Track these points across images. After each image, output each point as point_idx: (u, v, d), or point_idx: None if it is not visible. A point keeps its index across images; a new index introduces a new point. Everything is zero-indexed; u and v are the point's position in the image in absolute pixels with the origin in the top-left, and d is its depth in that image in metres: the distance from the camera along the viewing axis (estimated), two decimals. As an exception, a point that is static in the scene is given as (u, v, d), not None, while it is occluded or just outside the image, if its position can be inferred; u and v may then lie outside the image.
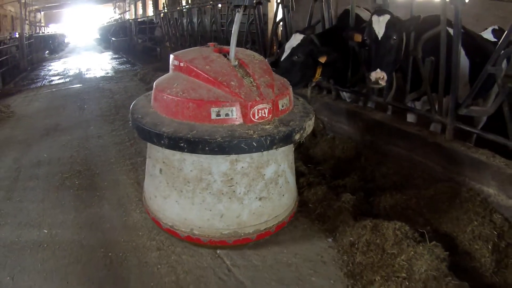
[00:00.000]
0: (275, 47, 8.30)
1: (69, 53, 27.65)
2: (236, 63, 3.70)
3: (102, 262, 3.43)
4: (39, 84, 13.38)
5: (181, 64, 3.76)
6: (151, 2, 32.79)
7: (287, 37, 7.09)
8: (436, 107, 4.73)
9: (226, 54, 3.81)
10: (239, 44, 8.00)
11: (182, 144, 3.21)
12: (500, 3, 6.54)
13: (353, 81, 5.70)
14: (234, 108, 3.39)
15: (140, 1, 36.74)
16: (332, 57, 5.07)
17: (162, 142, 3.28)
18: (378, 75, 4.50)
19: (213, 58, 3.73)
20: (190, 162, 3.50)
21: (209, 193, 3.55)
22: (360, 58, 5.33)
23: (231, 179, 3.50)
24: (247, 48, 8.19)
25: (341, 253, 3.48)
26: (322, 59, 4.99)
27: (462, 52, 4.91)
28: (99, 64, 18.25)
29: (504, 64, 4.87)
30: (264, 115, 3.49)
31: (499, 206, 3.95)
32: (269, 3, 10.31)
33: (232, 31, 3.74)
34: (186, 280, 3.18)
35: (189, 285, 3.12)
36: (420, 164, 4.66)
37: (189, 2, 13.95)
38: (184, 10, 12.51)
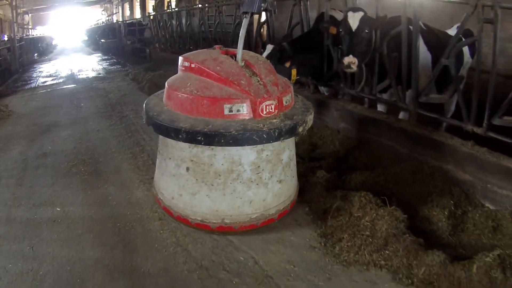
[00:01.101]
0: (260, 48, 8.83)
1: (58, 55, 27.84)
2: (243, 64, 3.96)
3: (112, 230, 3.97)
4: (33, 85, 13.71)
5: (192, 65, 4.00)
6: (138, 4, 33.01)
7: (269, 38, 7.68)
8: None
9: (233, 56, 4.06)
10: (226, 45, 8.58)
11: (199, 138, 3.48)
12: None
13: (328, 76, 6.29)
14: (244, 105, 3.68)
15: (128, 3, 36.95)
16: (298, 60, 5.74)
17: (180, 136, 3.54)
18: (350, 60, 5.08)
19: (222, 59, 3.97)
20: (221, 156, 3.77)
21: (239, 183, 3.85)
22: (334, 56, 5.93)
23: (258, 167, 3.85)
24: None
25: (316, 219, 4.06)
26: (287, 64, 5.61)
27: (425, 48, 5.53)
28: (90, 65, 18.58)
29: (468, 58, 5.47)
30: (271, 110, 3.81)
31: (456, 180, 4.55)
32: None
33: (240, 35, 3.97)
34: (185, 241, 3.76)
35: (188, 245, 3.70)
36: (387, 147, 5.25)
37: (177, 4, 14.28)
38: (173, 12, 12.84)
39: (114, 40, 24.63)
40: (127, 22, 24.87)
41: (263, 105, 3.72)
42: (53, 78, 15.03)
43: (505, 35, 6.68)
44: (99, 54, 24.71)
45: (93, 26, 39.10)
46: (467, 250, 3.72)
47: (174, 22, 12.64)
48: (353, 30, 5.19)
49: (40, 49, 28.90)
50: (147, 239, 3.84)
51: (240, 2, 8.59)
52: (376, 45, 5.38)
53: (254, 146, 3.68)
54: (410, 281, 3.33)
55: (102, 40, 26.62)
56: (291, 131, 3.72)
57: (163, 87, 9.37)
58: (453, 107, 6.18)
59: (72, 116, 8.47)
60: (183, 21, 12.05)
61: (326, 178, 4.66)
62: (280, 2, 7.77)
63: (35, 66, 20.50)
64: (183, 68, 4.16)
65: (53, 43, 39.55)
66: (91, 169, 5.44)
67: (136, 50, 20.44)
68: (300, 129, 3.83)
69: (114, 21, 33.89)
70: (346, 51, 5.24)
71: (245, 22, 4.00)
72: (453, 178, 4.63)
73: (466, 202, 4.37)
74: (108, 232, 3.96)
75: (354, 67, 5.13)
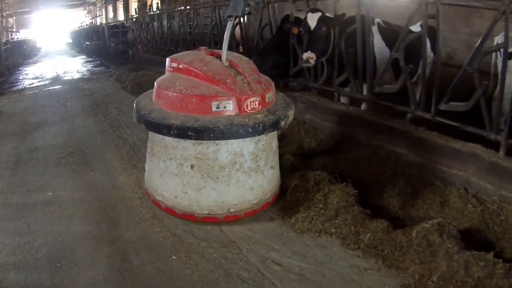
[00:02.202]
0: (240, 48, 9.36)
1: (43, 58, 28.01)
2: (228, 63, 4.16)
3: (98, 209, 4.48)
4: (20, 87, 14.07)
5: (180, 66, 4.19)
6: (121, 6, 33.30)
7: (242, 38, 8.26)
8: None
9: (217, 57, 4.25)
10: (204, 45, 9.13)
11: (190, 133, 3.69)
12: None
13: (293, 72, 6.86)
14: (231, 101, 3.87)
15: (111, 5, 37.23)
16: (268, 65, 6.40)
17: (172, 132, 3.74)
18: (309, 55, 5.66)
19: (208, 60, 4.16)
20: (225, 150, 3.99)
21: (242, 172, 4.10)
22: (299, 54, 6.48)
23: (256, 156, 4.12)
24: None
25: (278, 195, 4.55)
26: None
27: (383, 43, 6.12)
28: (75, 67, 18.88)
29: (430, 52, 6.01)
30: (255, 106, 4.00)
31: (409, 162, 5.09)
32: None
33: (224, 37, 4.20)
34: (161, 215, 4.28)
35: (163, 218, 4.24)
36: (347, 135, 5.81)
37: (159, 6, 14.64)
38: (155, 14, 13.19)
39: (98, 43, 24.87)
40: (111, 24, 25.13)
41: (248, 101, 3.94)
42: (39, 80, 15.36)
43: (472, 30, 7.29)
44: (83, 56, 24.94)
45: (77, 29, 39.16)
46: (414, 222, 4.14)
47: (155, 24, 13.00)
48: (312, 29, 5.77)
49: (25, 52, 29.07)
50: (129, 214, 4.37)
51: (215, 4, 9.11)
52: (335, 42, 5.97)
53: (254, 137, 3.94)
54: (357, 245, 3.84)
55: (87, 43, 26.87)
56: (274, 125, 3.97)
57: (145, 86, 9.84)
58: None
59: (60, 114, 8.88)
60: (164, 23, 12.42)
61: (291, 162, 5.22)
62: (251, 5, 8.31)
63: (20, 68, 20.77)
64: (171, 69, 4.35)
65: (37, 46, 39.66)
66: (79, 160, 5.93)
67: (120, 52, 20.67)
68: (282, 123, 4.08)
69: (98, 23, 34.09)
70: (305, 47, 5.80)
71: (229, 25, 4.24)
72: (406, 160, 5.17)
73: (417, 181, 4.90)
74: (95, 210, 4.47)
75: (312, 62, 5.70)
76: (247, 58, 4.56)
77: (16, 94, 12.31)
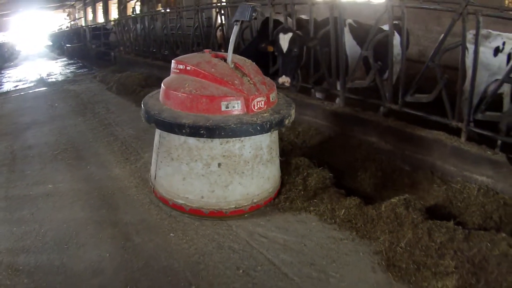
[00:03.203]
0: (222, 49, 9.73)
1: (24, 61, 27.75)
2: (233, 65, 4.37)
3: (97, 197, 4.88)
4: (4, 89, 14.13)
5: (188, 68, 4.36)
6: (101, 8, 33.36)
7: (224, 40, 8.70)
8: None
9: (222, 59, 4.46)
10: (187, 46, 9.52)
11: (202, 131, 3.88)
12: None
13: (273, 71, 7.25)
14: (239, 101, 4.08)
15: (90, 7, 37.27)
16: None
17: (184, 131, 3.91)
18: (283, 80, 6.04)
19: (215, 62, 4.35)
20: (249, 145, 4.25)
21: (261, 164, 4.40)
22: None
23: (271, 148, 4.48)
24: (193, 50, 9.64)
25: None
26: None
27: (354, 42, 6.60)
28: (58, 69, 18.96)
29: (399, 49, 6.45)
30: (261, 106, 4.22)
31: (380, 150, 5.63)
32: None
33: (230, 40, 4.42)
34: (157, 200, 4.69)
35: (159, 203, 4.65)
36: (322, 126, 6.31)
37: (140, 9, 14.85)
38: (137, 17, 13.40)
39: (79, 45, 24.90)
40: (92, 26, 25.22)
41: (255, 101, 4.16)
42: (23, 82, 15.44)
43: (443, 29, 7.81)
44: (65, 59, 24.87)
45: (57, 31, 39.03)
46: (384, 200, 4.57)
47: (138, 26, 13.22)
48: (284, 52, 6.09)
49: (5, 55, 28.95)
50: (127, 201, 4.78)
51: (198, 8, 9.50)
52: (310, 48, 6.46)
53: (268, 132, 4.18)
54: (333, 220, 4.32)
55: (68, 45, 26.82)
56: (279, 123, 4.22)
57: (130, 87, 10.17)
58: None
59: (49, 114, 9.14)
60: (147, 25, 12.62)
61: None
62: (232, 8, 8.73)
63: (2, 72, 20.71)
64: (178, 71, 4.51)
65: (17, 49, 39.41)
66: (73, 155, 6.29)
67: (101, 54, 20.66)
68: (286, 121, 4.34)
69: (79, 25, 34.04)
70: (280, 70, 6.15)
71: (235, 29, 4.43)
72: (377, 148, 5.69)
73: (387, 166, 5.44)
74: (95, 199, 4.86)
75: (287, 84, 6.06)
76: (249, 60, 4.77)
77: (1, 97, 12.40)
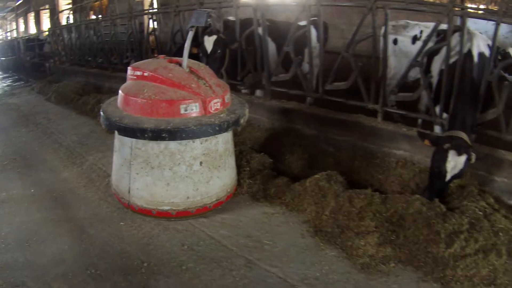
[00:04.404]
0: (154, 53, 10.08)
1: (-46, 77, 27.24)
2: (188, 70, 4.51)
3: (50, 199, 5.20)
4: None
5: (145, 74, 4.46)
6: (33, 19, 32.72)
7: (157, 44, 9.12)
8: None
9: (177, 64, 4.59)
10: (121, 53, 9.84)
11: (164, 135, 4.00)
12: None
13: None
14: (197, 104, 4.24)
15: (22, 18, 36.44)
16: None
17: (146, 135, 4.02)
18: None
19: (172, 67, 4.48)
20: (221, 140, 4.55)
21: (230, 157, 4.77)
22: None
23: (232, 140, 4.88)
24: (127, 56, 9.98)
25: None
26: None
27: (268, 39, 7.02)
28: (-7, 84, 18.68)
29: (316, 43, 6.99)
30: (218, 107, 4.42)
31: (305, 135, 6.23)
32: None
33: (185, 46, 4.57)
34: (105, 195, 5.16)
35: (107, 197, 5.10)
36: (255, 119, 6.84)
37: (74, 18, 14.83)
38: (71, 26, 13.42)
39: (13, 57, 24.42)
40: (26, 38, 24.73)
41: (212, 103, 4.35)
42: (-43, 98, 15.11)
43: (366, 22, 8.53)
44: (0, 73, 24.47)
45: (-14, 45, 37.78)
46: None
47: (73, 35, 13.23)
48: (209, 53, 6.55)
49: None
50: (78, 199, 5.16)
51: (131, 15, 9.82)
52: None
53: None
54: (265, 198, 4.93)
55: (2, 58, 26.27)
56: (235, 123, 4.45)
57: (69, 96, 10.37)
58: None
59: (-9, 128, 9.17)
60: (82, 34, 12.67)
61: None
62: (164, 14, 9.16)
63: None
64: (135, 77, 4.60)
65: None
66: (22, 164, 6.51)
67: (36, 65, 20.20)
68: (242, 121, 4.58)
69: (13, 38, 33.11)
70: None
71: (190, 34, 4.60)
72: (303, 134, 6.28)
73: (312, 149, 6.03)
74: (48, 201, 5.18)
75: None
76: (203, 64, 5.00)
77: None
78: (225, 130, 4.38)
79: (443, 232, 3.89)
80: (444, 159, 4.36)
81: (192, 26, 4.62)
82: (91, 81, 11.50)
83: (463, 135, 4.46)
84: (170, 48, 8.42)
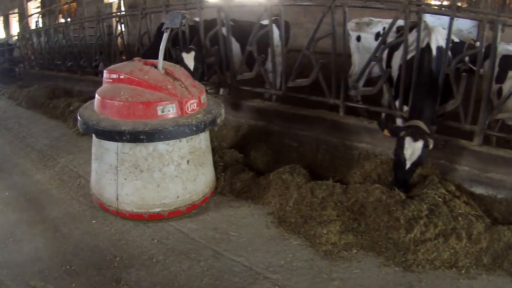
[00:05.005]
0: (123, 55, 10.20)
1: None
2: (163, 71, 4.52)
3: (24, 201, 5.31)
4: None
5: (121, 77, 4.44)
6: (1, 23, 32.27)
7: (124, 46, 9.25)
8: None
9: (152, 66, 4.58)
10: (90, 55, 9.91)
11: (142, 137, 4.03)
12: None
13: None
14: (174, 105, 4.26)
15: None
16: None
17: (124, 138, 4.05)
18: None
19: (147, 69, 4.47)
20: (203, 138, 4.71)
21: (209, 153, 4.95)
22: (173, 54, 7.36)
23: (208, 137, 4.99)
24: (96, 59, 10.04)
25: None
26: None
27: (233, 39, 7.26)
28: (-40, 91, 18.39)
29: (278, 41, 7.20)
30: (194, 108, 4.45)
31: (270, 131, 6.49)
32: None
33: (160, 48, 4.57)
34: (77, 195, 5.32)
35: (79, 197, 5.26)
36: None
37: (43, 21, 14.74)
38: (40, 30, 13.31)
39: (-18, 63, 24.04)
40: (-6, 43, 24.35)
41: (188, 104, 4.38)
42: None
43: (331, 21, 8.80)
44: (-33, 80, 24.11)
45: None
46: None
47: (42, 39, 13.14)
48: (192, 70, 6.56)
49: None
50: (51, 200, 5.30)
51: (99, 18, 9.88)
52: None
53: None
54: (231, 193, 5.13)
55: (-28, 64, 25.83)
56: (212, 123, 4.54)
57: (39, 100, 10.34)
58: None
59: (-36, 136, 9.17)
60: (51, 38, 12.54)
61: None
62: (132, 16, 9.27)
63: None
64: (111, 80, 4.58)
65: None
66: (-5, 169, 6.63)
67: (6, 71, 19.85)
68: (218, 120, 4.67)
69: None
70: None
71: (165, 36, 4.61)
72: (267, 130, 6.51)
73: (277, 145, 6.27)
74: (22, 203, 5.30)
75: None
76: (178, 65, 5.03)
77: None
78: (203, 130, 4.45)
79: (402, 218, 4.14)
80: (401, 146, 4.62)
81: (167, 28, 4.64)
82: (61, 85, 11.50)
83: (421, 124, 4.73)
84: (138, 49, 8.50)
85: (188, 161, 4.55)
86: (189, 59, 6.64)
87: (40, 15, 14.16)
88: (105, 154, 4.56)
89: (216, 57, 7.00)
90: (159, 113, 4.22)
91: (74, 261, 4.07)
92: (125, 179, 4.47)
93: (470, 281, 3.77)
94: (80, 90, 10.61)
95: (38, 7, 21.51)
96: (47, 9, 13.76)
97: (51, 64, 12.60)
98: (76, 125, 7.15)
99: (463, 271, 3.84)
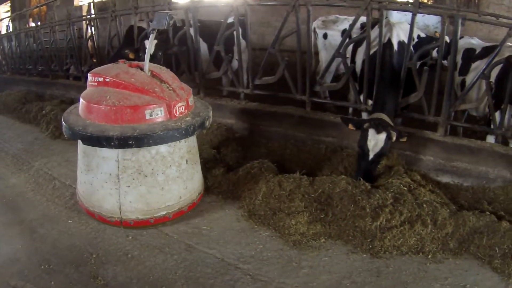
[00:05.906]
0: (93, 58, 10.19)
1: None
2: (150, 74, 4.41)
3: (1, 205, 5.35)
4: None
5: (107, 80, 4.27)
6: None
7: (95, 49, 9.33)
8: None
9: (138, 68, 4.46)
10: (61, 59, 9.93)
11: (131, 142, 3.93)
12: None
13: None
14: (162, 108, 4.17)
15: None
16: None
17: (112, 143, 3.93)
18: None
19: (133, 72, 4.34)
20: (195, 137, 4.79)
21: (198, 152, 5.01)
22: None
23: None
24: (67, 63, 10.08)
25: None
26: None
27: (200, 39, 7.40)
28: None
29: (242, 40, 7.38)
30: (183, 110, 4.37)
31: (240, 129, 6.71)
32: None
33: (147, 49, 4.51)
34: (53, 197, 5.42)
35: (54, 199, 5.37)
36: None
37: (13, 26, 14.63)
38: (10, 35, 13.24)
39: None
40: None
41: (177, 107, 4.29)
42: None
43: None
44: None
45: None
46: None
47: (12, 44, 13.09)
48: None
49: None
50: (27, 202, 5.40)
51: (70, 21, 9.89)
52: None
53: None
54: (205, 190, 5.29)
55: None
56: (201, 126, 4.47)
57: (12, 105, 10.34)
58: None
59: None
60: (21, 42, 12.56)
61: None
62: (102, 19, 9.34)
63: None
64: (96, 84, 4.41)
65: None
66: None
67: None
68: (207, 123, 4.65)
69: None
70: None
71: (151, 37, 4.61)
72: (237, 128, 6.75)
73: (246, 141, 6.46)
74: (2, 207, 5.34)
75: None
76: (164, 67, 4.89)
77: None
78: (192, 134, 4.40)
79: (368, 207, 4.35)
80: (365, 138, 4.86)
81: (154, 29, 4.61)
82: (33, 89, 11.46)
83: (384, 116, 4.97)
84: (108, 52, 8.58)
85: (186, 161, 4.61)
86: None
87: (10, 19, 14.01)
88: (102, 163, 4.42)
89: (177, 47, 7.14)
90: (147, 117, 4.14)
91: (52, 260, 4.20)
92: (128, 186, 4.40)
93: (437, 265, 3.99)
94: (52, 94, 10.59)
95: (8, 11, 21.27)
96: (17, 13, 13.64)
97: (22, 69, 12.52)
98: (49, 129, 7.32)
99: (429, 256, 4.06)
